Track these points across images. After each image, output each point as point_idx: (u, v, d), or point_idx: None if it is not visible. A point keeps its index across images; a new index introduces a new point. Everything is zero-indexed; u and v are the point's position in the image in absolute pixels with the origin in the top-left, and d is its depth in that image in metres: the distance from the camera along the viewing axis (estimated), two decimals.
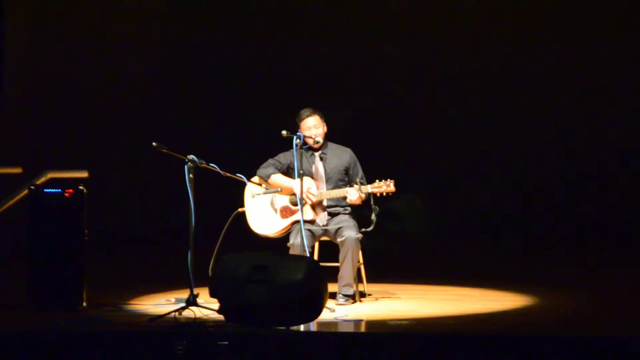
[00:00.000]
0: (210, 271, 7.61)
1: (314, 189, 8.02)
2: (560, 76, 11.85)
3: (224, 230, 7.84)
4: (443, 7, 12.01)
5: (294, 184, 7.92)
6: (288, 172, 8.09)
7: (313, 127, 8.05)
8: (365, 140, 9.97)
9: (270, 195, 8.09)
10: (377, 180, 7.94)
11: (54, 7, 12.04)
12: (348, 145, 8.23)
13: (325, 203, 8.06)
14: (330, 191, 8.02)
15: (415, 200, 12.06)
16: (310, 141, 8.04)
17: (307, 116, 8.06)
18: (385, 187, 7.90)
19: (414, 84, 11.96)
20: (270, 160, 8.13)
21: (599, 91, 11.78)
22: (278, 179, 8.07)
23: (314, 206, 8.02)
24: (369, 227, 7.93)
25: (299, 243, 7.72)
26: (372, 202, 7.93)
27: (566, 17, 11.83)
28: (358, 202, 7.96)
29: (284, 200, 8.08)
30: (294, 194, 7.99)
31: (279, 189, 8.04)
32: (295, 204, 7.99)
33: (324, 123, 8.10)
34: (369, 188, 7.93)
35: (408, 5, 12.01)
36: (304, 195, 7.91)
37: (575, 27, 11.78)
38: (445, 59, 11.95)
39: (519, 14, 11.92)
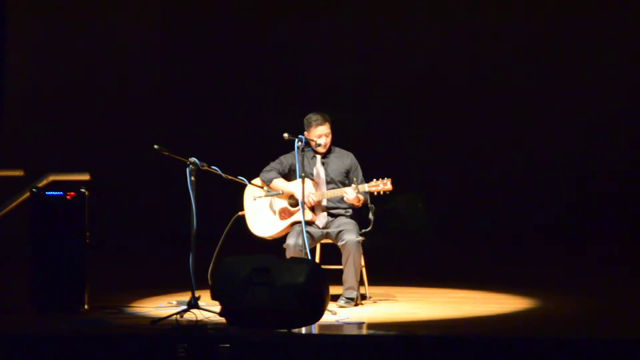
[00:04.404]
0: (209, 276, 7.62)
1: (312, 190, 8.00)
2: (563, 79, 11.85)
3: (224, 234, 7.84)
4: (444, 5, 12.01)
5: (294, 188, 7.91)
6: (289, 173, 8.08)
7: (324, 135, 8.03)
8: (367, 141, 9.98)
9: (270, 197, 8.09)
10: (374, 179, 7.92)
11: (56, 10, 12.04)
12: (349, 147, 8.23)
13: (325, 203, 8.05)
14: (328, 191, 8.00)
15: (416, 201, 12.05)
16: (320, 149, 8.02)
17: (320, 124, 8.01)
18: (382, 185, 7.86)
19: (415, 83, 11.97)
20: (273, 164, 8.12)
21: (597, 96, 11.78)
22: (279, 183, 8.06)
23: (312, 207, 8.01)
24: (368, 227, 7.92)
25: (294, 244, 7.73)
26: (368, 201, 7.92)
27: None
28: (356, 202, 7.93)
29: (282, 202, 8.08)
30: (292, 197, 7.99)
31: (281, 192, 8.03)
32: (293, 205, 7.99)
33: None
34: (365, 187, 7.91)
35: (409, 4, 12.00)
36: (306, 199, 7.90)
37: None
38: (448, 57, 11.95)
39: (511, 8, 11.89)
